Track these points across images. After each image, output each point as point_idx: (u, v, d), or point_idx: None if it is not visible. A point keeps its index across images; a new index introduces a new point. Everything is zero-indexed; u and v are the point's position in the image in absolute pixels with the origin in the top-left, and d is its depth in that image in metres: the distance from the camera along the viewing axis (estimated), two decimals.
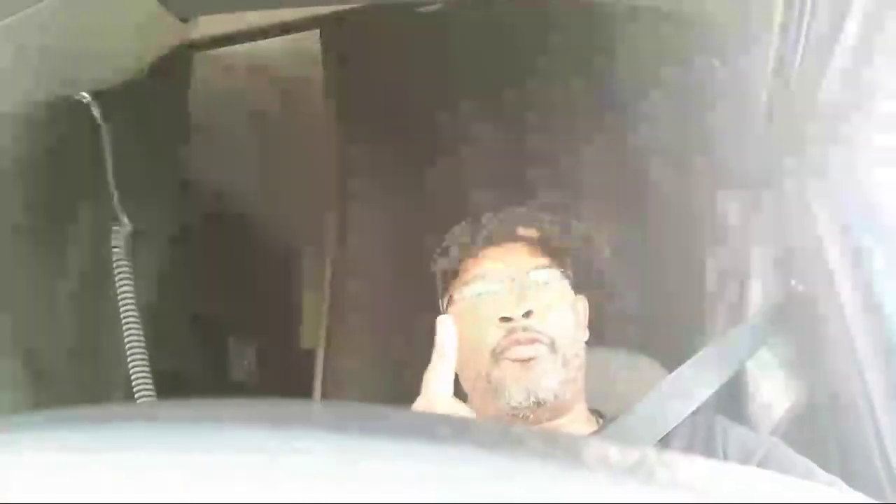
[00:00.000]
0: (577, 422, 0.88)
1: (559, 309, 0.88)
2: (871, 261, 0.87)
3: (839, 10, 0.75)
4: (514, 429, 0.29)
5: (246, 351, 2.14)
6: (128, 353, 1.14)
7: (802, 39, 0.78)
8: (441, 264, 0.97)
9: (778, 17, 0.76)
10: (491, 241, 0.92)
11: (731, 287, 1.00)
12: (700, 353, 0.86)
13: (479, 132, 1.41)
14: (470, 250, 0.93)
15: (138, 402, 1.13)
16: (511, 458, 0.26)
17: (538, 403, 0.82)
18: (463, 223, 0.95)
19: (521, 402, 0.82)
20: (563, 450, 0.27)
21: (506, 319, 0.85)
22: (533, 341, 0.84)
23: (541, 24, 1.37)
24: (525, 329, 0.84)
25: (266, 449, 0.27)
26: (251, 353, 2.16)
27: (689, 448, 0.80)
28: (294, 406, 0.30)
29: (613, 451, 0.26)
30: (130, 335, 1.13)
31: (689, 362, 0.85)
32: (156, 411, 0.33)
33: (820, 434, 0.88)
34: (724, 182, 1.03)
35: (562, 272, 0.92)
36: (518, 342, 0.84)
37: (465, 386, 0.92)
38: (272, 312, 2.32)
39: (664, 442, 0.81)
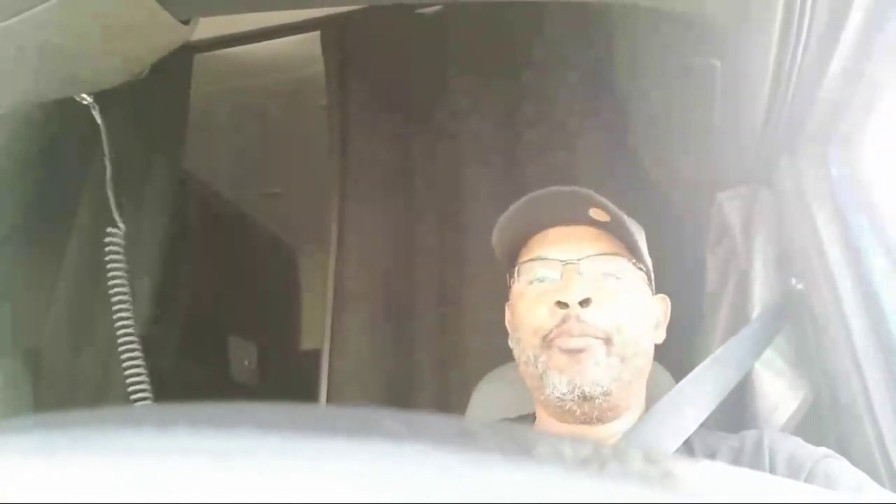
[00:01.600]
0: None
1: (623, 302, 0.81)
2: (871, 260, 0.87)
3: (839, 9, 0.75)
4: (467, 424, 0.28)
5: (246, 351, 2.14)
6: (122, 355, 1.12)
7: (803, 39, 0.78)
8: (503, 240, 0.90)
9: (778, 17, 0.76)
10: (558, 221, 0.86)
11: (733, 287, 1.00)
12: (711, 357, 0.84)
13: (480, 132, 1.41)
14: (537, 227, 0.87)
15: (134, 402, 1.12)
16: (461, 454, 0.26)
17: (584, 398, 0.77)
18: (534, 193, 0.86)
19: (564, 395, 0.77)
20: (516, 444, 0.27)
21: (561, 305, 0.79)
22: (584, 334, 0.78)
23: (540, 25, 1.37)
24: (579, 319, 0.78)
25: (210, 450, 0.27)
26: (252, 353, 2.16)
27: (734, 462, 0.76)
28: (242, 407, 0.30)
29: (567, 446, 0.26)
30: (125, 338, 1.12)
31: (700, 367, 0.82)
32: (152, 415, 0.33)
33: (820, 433, 0.88)
34: (724, 182, 1.03)
35: (634, 264, 0.85)
36: (569, 333, 0.78)
37: (521, 369, 0.87)
38: (272, 313, 2.32)
39: (711, 456, 0.78)
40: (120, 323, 1.13)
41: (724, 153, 1.01)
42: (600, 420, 0.80)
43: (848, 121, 0.89)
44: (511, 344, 0.91)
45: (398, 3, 1.45)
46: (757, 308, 0.96)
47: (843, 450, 0.83)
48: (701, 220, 1.08)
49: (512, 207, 0.87)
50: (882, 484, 0.76)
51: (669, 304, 0.92)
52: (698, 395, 0.81)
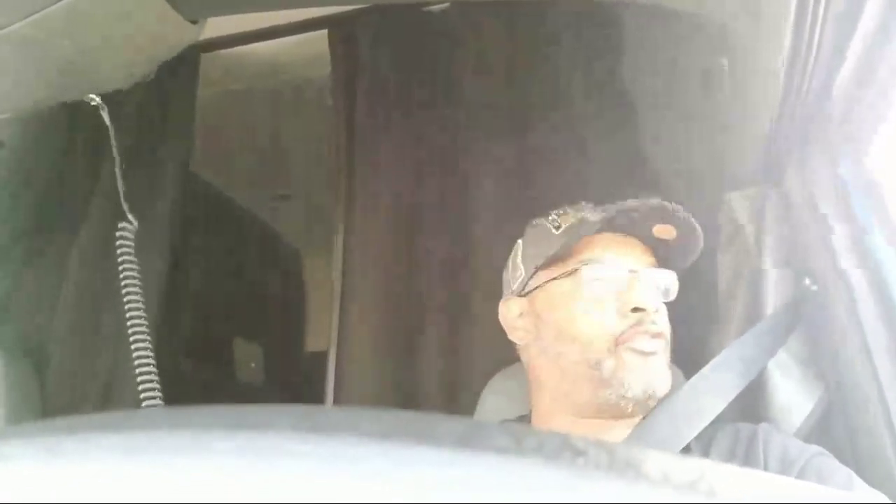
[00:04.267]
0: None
1: (667, 311, 0.87)
2: (883, 260, 0.86)
3: (851, 11, 0.75)
4: (572, 438, 0.28)
5: (252, 353, 2.14)
6: (134, 354, 1.12)
7: (815, 39, 0.77)
8: (557, 237, 0.89)
9: (790, 18, 0.76)
10: (622, 229, 0.88)
11: (745, 288, 0.99)
12: (721, 355, 0.85)
13: (488, 131, 1.40)
14: (595, 230, 0.87)
15: (144, 403, 1.12)
16: (572, 471, 0.25)
17: (650, 397, 0.81)
18: (629, 202, 0.87)
19: (636, 395, 0.80)
20: (625, 462, 0.26)
21: (638, 310, 0.82)
22: (659, 335, 0.83)
23: (549, 23, 1.37)
24: (654, 323, 0.83)
25: (216, 452, 0.27)
26: (257, 354, 2.16)
27: (730, 455, 0.79)
28: (248, 409, 0.30)
29: (674, 465, 0.26)
30: (136, 335, 1.12)
31: (711, 364, 0.84)
32: (157, 418, 0.33)
33: (834, 434, 0.87)
34: (735, 182, 1.03)
35: (677, 278, 0.90)
36: (647, 333, 0.82)
37: (555, 367, 0.87)
38: (278, 314, 2.32)
39: (704, 450, 0.80)
40: (132, 321, 1.12)
41: (735, 153, 1.01)
42: (632, 416, 0.84)
43: (859, 121, 0.89)
44: (521, 339, 0.91)
45: (406, 2, 1.45)
46: (769, 308, 0.95)
47: (858, 451, 0.83)
48: (712, 221, 1.07)
49: (609, 209, 0.87)
50: None
51: None
52: (708, 391, 0.83)
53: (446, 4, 1.45)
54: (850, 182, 0.92)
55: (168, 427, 0.31)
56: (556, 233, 0.89)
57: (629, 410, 0.82)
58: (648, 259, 0.88)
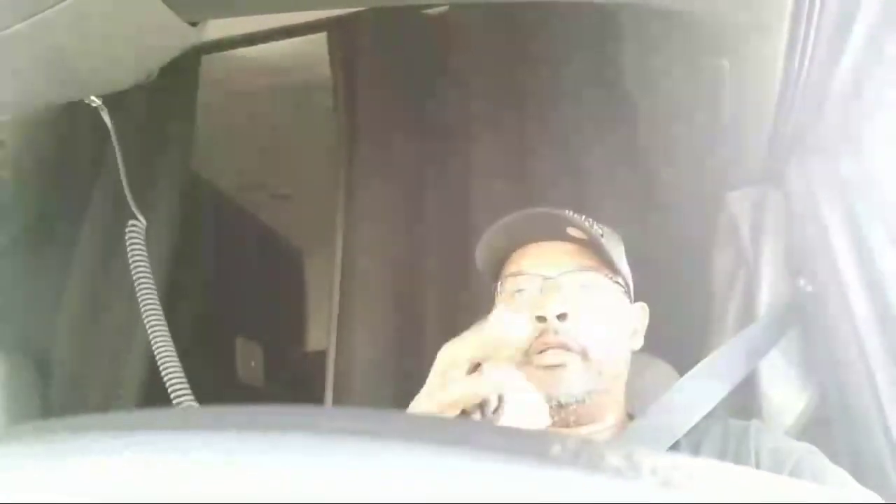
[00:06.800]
0: (610, 430, 0.85)
1: (599, 315, 0.84)
2: (881, 261, 0.87)
3: (848, 10, 0.75)
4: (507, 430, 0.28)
5: (253, 352, 2.15)
6: (156, 352, 1.11)
7: (812, 39, 0.78)
8: (486, 255, 0.94)
9: (787, 18, 0.76)
10: (539, 238, 0.89)
11: (740, 288, 1.00)
12: (713, 355, 0.86)
13: (486, 134, 1.40)
14: (516, 244, 0.91)
15: (175, 402, 1.11)
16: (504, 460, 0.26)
17: (560, 406, 0.80)
18: (513, 214, 0.91)
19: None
20: (570, 453, 0.27)
21: (541, 319, 0.82)
22: (563, 348, 0.81)
23: (547, 25, 1.37)
24: (556, 332, 0.81)
25: (214, 452, 0.28)
26: (258, 354, 2.16)
27: (721, 452, 0.79)
28: (245, 410, 0.30)
29: (630, 455, 0.26)
30: (155, 332, 1.12)
31: (702, 363, 0.84)
32: (157, 419, 0.33)
33: (830, 436, 0.87)
34: (733, 182, 1.03)
35: (610, 278, 0.88)
36: (547, 345, 0.81)
37: None
38: (279, 314, 2.33)
39: (695, 446, 0.80)
40: (150, 320, 1.11)
41: (734, 154, 1.01)
42: (577, 424, 0.83)
43: (857, 121, 0.89)
44: None
45: (404, 5, 1.45)
46: (763, 308, 0.96)
47: (853, 452, 0.83)
48: (710, 221, 1.07)
49: (493, 227, 0.91)
50: (893, 484, 0.76)
51: (648, 311, 0.94)
52: (699, 389, 0.83)
53: (444, 7, 1.45)
54: (850, 182, 0.92)
55: (168, 427, 0.31)
56: (477, 254, 0.95)
57: (555, 419, 0.81)
58: (577, 261, 0.87)
